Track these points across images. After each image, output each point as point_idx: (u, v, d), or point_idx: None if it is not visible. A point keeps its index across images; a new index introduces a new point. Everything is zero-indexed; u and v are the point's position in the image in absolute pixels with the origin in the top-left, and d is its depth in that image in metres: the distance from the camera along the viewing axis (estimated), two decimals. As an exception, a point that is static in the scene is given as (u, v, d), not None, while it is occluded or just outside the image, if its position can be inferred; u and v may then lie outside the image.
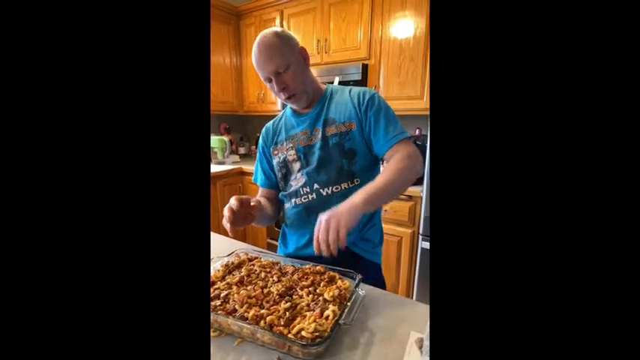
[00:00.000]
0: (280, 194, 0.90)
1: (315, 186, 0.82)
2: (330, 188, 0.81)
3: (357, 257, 0.83)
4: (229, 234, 0.70)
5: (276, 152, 0.90)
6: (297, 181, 0.84)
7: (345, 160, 0.80)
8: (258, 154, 0.97)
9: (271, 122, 0.96)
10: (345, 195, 0.77)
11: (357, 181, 0.81)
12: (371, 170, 0.83)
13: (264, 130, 0.96)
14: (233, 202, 0.70)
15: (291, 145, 0.86)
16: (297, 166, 0.85)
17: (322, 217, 0.61)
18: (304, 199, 0.83)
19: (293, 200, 0.85)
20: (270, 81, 0.79)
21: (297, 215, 0.85)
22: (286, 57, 0.77)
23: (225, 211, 0.69)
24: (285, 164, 0.87)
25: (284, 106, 1.00)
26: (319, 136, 0.82)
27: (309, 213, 0.82)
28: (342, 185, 0.80)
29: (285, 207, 0.89)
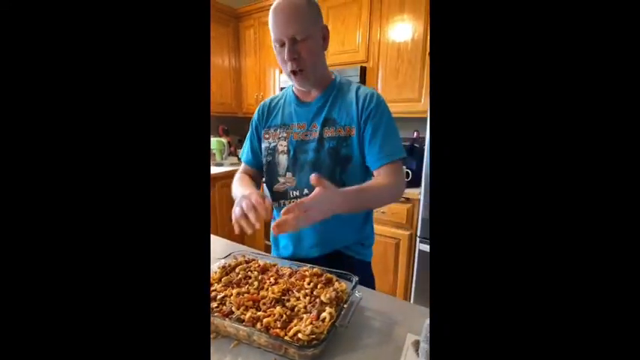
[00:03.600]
0: (268, 190, 0.86)
1: (305, 191, 0.78)
2: None
3: (348, 258, 0.82)
4: (248, 231, 0.62)
5: (267, 136, 0.85)
6: (286, 181, 0.81)
7: (338, 168, 0.77)
8: (249, 130, 0.91)
9: (269, 99, 0.90)
10: None
11: None
12: (361, 180, 0.76)
13: (260, 106, 0.90)
14: (259, 201, 0.61)
15: (284, 135, 0.81)
16: (283, 159, 0.81)
17: (307, 204, 0.56)
18: (292, 202, 0.76)
19: (281, 202, 0.82)
20: (282, 45, 0.72)
21: None
22: (309, 26, 0.70)
23: (255, 208, 0.60)
24: (273, 153, 0.83)
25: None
26: (316, 134, 0.78)
27: None
28: None
29: (272, 204, 0.84)
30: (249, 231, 0.61)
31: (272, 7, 0.71)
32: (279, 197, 0.82)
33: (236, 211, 0.63)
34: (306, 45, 0.71)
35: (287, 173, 0.81)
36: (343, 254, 0.81)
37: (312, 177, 0.57)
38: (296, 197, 0.79)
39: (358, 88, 0.79)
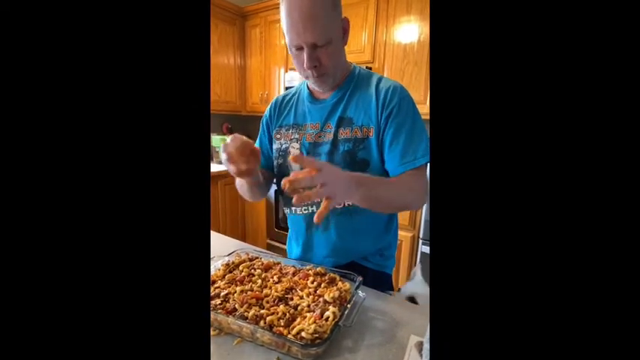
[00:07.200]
0: (280, 195, 0.81)
1: (317, 199, 0.72)
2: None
3: (365, 270, 0.75)
4: (237, 173, 0.61)
5: (278, 137, 0.78)
6: None
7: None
8: (260, 128, 0.84)
9: (282, 95, 0.82)
10: (348, 212, 0.72)
11: None
12: None
13: (273, 102, 0.82)
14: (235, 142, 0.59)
15: (297, 136, 0.75)
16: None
17: (325, 169, 0.48)
18: (304, 210, 0.75)
19: (293, 208, 0.78)
20: (299, 49, 0.62)
21: (296, 225, 0.81)
22: (331, 28, 0.61)
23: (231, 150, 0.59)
24: (285, 155, 0.76)
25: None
26: (330, 136, 0.70)
27: (308, 226, 0.77)
28: (345, 202, 0.71)
29: (284, 210, 0.83)
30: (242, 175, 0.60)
31: (286, 6, 0.59)
32: (291, 204, 0.78)
33: (223, 155, 0.61)
34: (327, 50, 0.62)
35: None
36: (360, 266, 0.76)
37: (291, 157, 0.49)
38: (307, 204, 0.74)
39: (379, 82, 0.70)
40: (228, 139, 0.61)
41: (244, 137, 0.62)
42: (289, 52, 0.66)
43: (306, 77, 0.69)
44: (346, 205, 0.72)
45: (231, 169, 0.61)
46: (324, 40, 0.60)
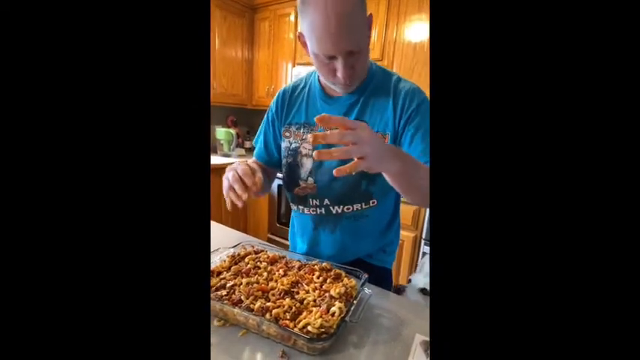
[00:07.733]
0: (287, 192, 0.81)
1: (326, 201, 0.72)
2: (342, 207, 0.72)
3: (367, 265, 0.76)
4: (237, 204, 0.58)
5: (287, 135, 0.75)
6: (307, 187, 0.74)
7: (365, 180, 0.69)
8: (264, 121, 0.80)
9: (290, 88, 0.76)
10: (355, 217, 0.73)
11: (373, 202, 0.71)
12: (392, 191, 0.64)
13: (279, 94, 0.77)
14: (244, 170, 0.57)
15: (309, 136, 0.72)
16: (307, 163, 0.73)
17: (360, 128, 0.43)
18: (312, 211, 0.76)
19: (300, 207, 0.78)
20: (331, 59, 0.58)
21: (302, 224, 0.81)
22: (364, 32, 0.57)
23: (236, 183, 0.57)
24: (295, 155, 0.74)
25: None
26: None
27: (315, 226, 0.77)
28: (354, 206, 0.71)
29: (292, 207, 0.83)
30: (238, 204, 0.57)
31: (318, 15, 0.52)
32: (298, 202, 0.78)
33: (224, 184, 0.60)
34: (361, 55, 0.59)
35: (309, 178, 0.74)
36: (364, 262, 0.77)
37: (317, 118, 0.43)
38: (316, 206, 0.74)
39: (397, 84, 0.67)
40: (238, 169, 0.59)
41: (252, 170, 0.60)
42: (314, 60, 0.61)
43: (333, 84, 0.64)
44: (355, 209, 0.72)
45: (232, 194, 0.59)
46: (360, 46, 0.57)
